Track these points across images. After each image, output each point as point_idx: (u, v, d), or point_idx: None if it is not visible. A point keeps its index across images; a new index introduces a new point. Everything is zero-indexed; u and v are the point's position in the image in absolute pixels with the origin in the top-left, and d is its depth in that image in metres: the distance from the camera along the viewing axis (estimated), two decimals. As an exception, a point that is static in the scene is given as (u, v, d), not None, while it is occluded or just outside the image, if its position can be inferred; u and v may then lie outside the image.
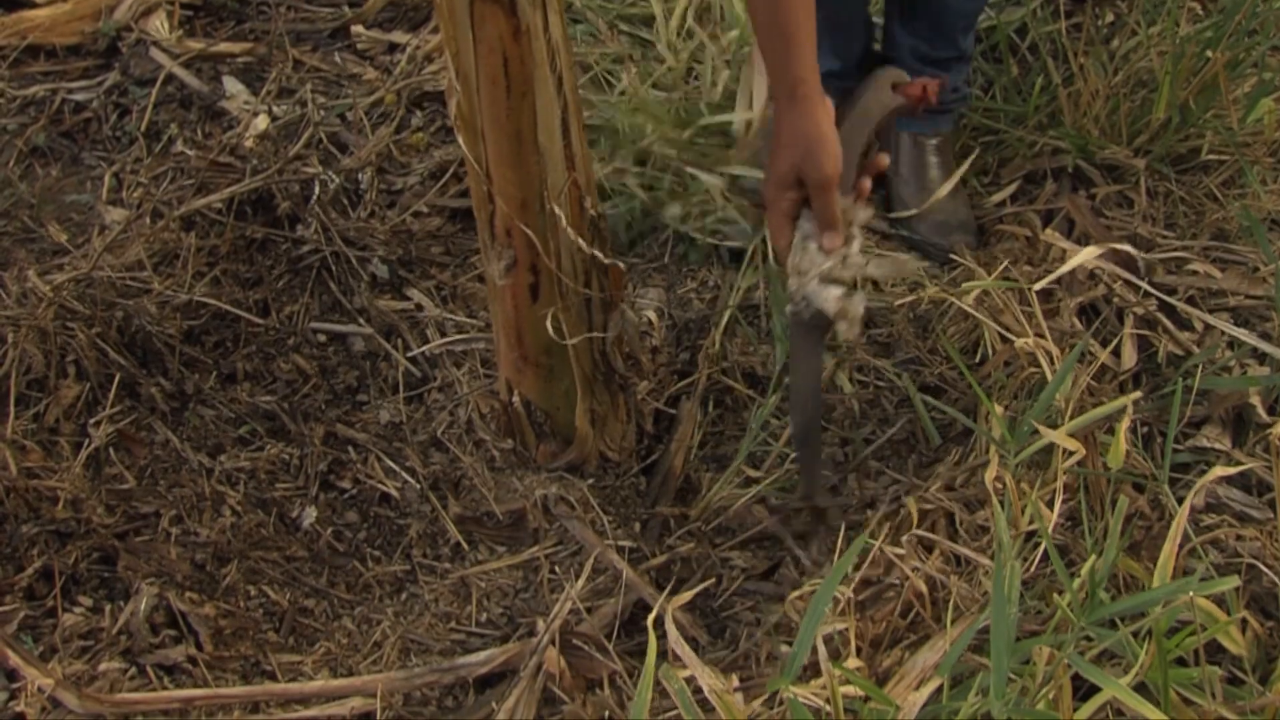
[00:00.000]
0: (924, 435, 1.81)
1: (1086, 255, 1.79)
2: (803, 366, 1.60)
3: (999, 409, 1.62)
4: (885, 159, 1.53)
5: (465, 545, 1.74)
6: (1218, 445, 1.69)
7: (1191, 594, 1.26)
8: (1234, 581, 1.28)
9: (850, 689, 1.25)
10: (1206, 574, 1.43)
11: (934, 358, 1.90)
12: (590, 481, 1.75)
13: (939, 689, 1.24)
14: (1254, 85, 2.16)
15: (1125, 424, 1.51)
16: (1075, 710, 1.24)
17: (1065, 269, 1.80)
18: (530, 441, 1.74)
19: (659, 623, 1.32)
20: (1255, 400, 1.72)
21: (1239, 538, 1.54)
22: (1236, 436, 1.71)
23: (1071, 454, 1.51)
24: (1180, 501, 1.44)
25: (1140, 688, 1.23)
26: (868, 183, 1.52)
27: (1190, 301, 1.90)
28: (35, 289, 1.89)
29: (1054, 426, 1.54)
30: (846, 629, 1.37)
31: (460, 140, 1.48)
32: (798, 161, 1.44)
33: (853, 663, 1.35)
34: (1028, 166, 2.14)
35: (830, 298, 1.48)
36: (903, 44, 2.03)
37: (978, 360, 1.84)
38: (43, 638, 1.58)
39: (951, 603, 1.43)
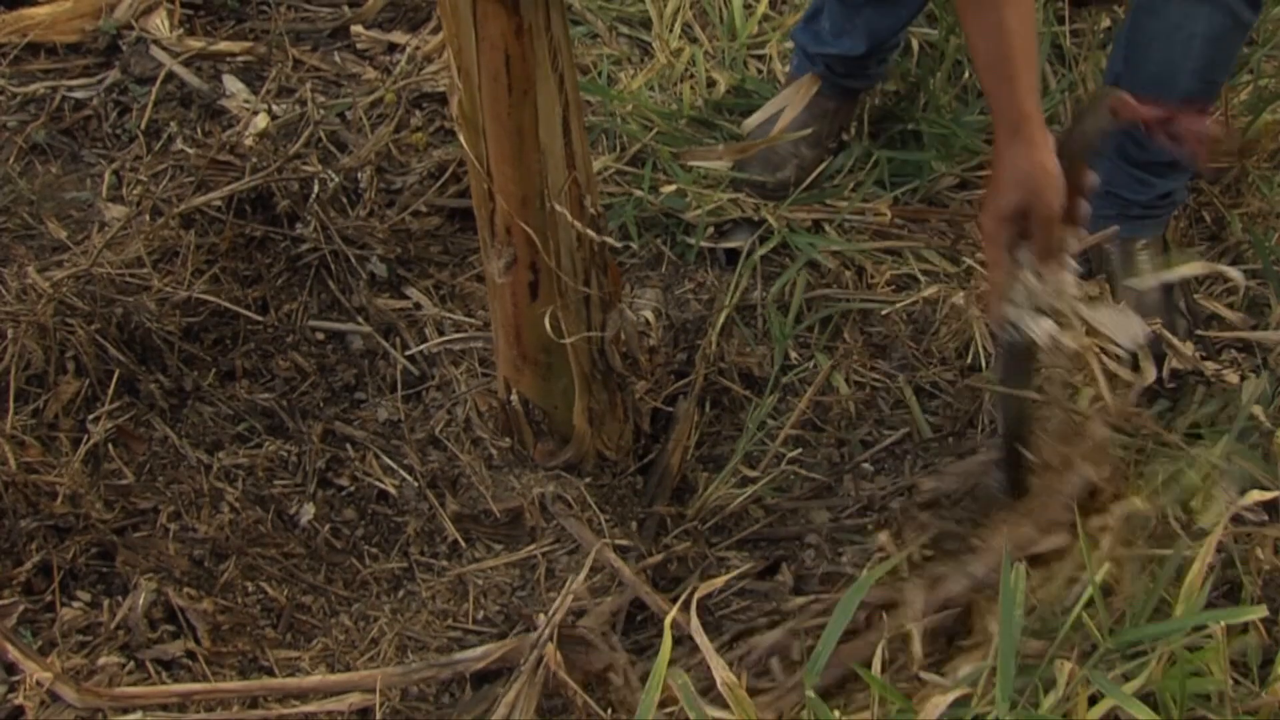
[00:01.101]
0: (919, 436, 1.82)
1: None
2: (1012, 394, 1.56)
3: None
4: (1094, 178, 1.48)
5: (463, 543, 1.74)
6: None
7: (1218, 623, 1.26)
8: (1260, 611, 1.28)
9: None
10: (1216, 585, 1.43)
11: (928, 359, 1.90)
12: (587, 480, 1.75)
13: (964, 699, 1.24)
14: (1249, 92, 2.17)
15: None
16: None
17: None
18: (528, 440, 1.75)
19: (675, 622, 1.31)
20: (1257, 409, 1.73)
21: (1235, 539, 1.54)
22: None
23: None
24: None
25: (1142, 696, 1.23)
26: (1084, 205, 1.48)
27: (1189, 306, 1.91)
28: (35, 285, 1.88)
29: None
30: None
31: (461, 138, 1.48)
32: (1025, 198, 1.42)
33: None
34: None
35: (1044, 329, 1.47)
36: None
37: (969, 363, 1.84)
38: (41, 632, 1.58)
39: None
